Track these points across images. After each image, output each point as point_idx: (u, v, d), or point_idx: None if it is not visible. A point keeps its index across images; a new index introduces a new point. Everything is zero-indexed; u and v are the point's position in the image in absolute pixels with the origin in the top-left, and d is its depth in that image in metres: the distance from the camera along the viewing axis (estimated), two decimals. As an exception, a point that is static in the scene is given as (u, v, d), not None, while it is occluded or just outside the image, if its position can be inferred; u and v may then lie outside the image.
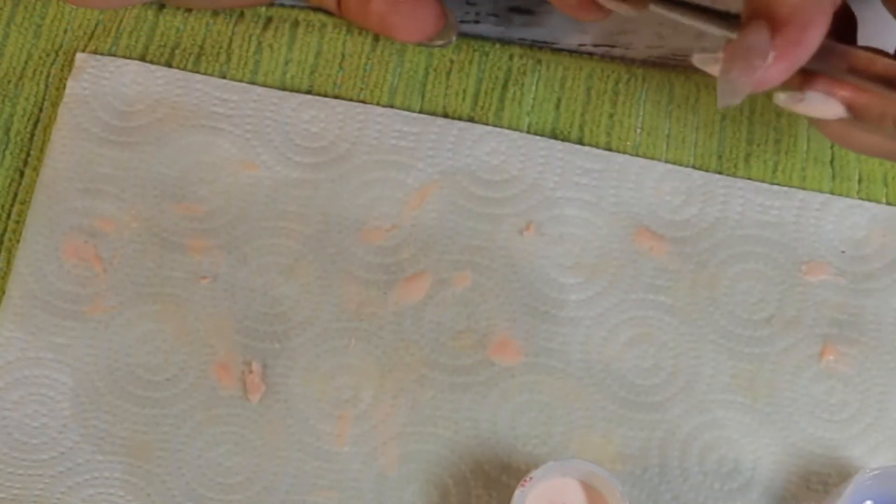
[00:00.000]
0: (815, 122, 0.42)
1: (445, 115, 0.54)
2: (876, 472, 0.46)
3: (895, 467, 0.46)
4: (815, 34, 0.36)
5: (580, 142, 0.54)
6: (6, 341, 0.51)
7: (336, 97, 0.54)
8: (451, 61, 0.55)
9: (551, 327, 0.51)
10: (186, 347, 0.51)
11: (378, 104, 0.54)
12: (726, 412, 0.51)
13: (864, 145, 0.42)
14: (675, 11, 0.42)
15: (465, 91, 0.54)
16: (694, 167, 0.53)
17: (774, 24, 0.36)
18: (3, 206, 0.53)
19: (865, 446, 0.51)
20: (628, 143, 0.54)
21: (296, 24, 0.55)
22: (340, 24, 0.55)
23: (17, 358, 0.51)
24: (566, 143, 0.54)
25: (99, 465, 0.49)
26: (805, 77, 0.38)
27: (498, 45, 0.55)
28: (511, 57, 0.55)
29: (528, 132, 0.54)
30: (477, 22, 0.56)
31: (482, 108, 0.54)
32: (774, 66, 0.36)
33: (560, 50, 0.56)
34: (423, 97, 0.54)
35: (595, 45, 0.56)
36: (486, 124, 0.54)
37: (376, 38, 0.55)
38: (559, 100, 0.54)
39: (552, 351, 0.51)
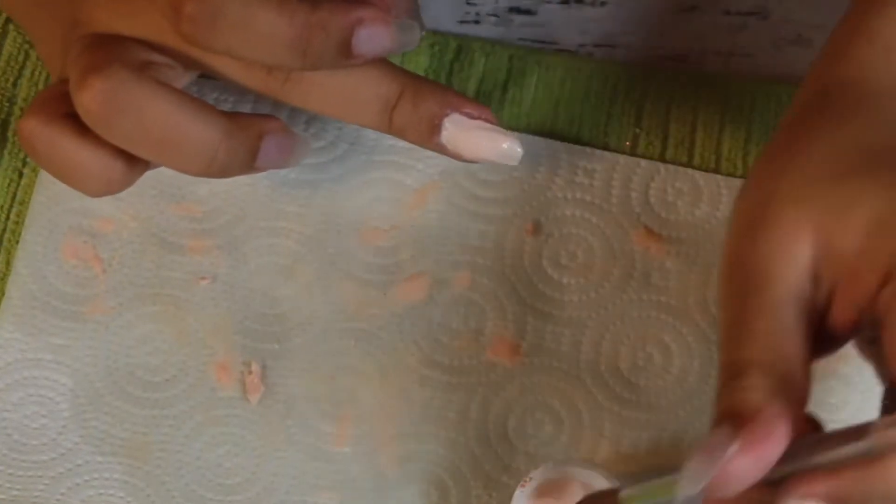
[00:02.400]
0: None
1: (445, 116, 0.54)
2: (876, 473, 0.46)
3: (895, 468, 0.46)
4: (781, 429, 0.36)
5: (580, 142, 0.54)
6: (6, 342, 0.51)
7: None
8: (451, 62, 0.55)
9: (551, 327, 0.51)
10: (186, 348, 0.51)
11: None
12: (726, 412, 0.51)
13: None
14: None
15: (464, 92, 0.54)
16: (694, 167, 0.53)
17: (740, 421, 0.36)
18: (1, 207, 0.53)
19: (865, 446, 0.50)
20: (628, 143, 0.54)
21: (295, 24, 0.55)
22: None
23: (16, 359, 0.50)
24: (566, 144, 0.53)
25: (98, 466, 0.49)
26: (777, 490, 0.36)
27: (498, 45, 0.55)
28: (511, 57, 0.55)
29: (528, 132, 0.54)
30: (477, 22, 0.56)
31: (482, 108, 0.54)
32: (738, 459, 0.35)
33: (560, 50, 0.56)
34: (422, 97, 0.54)
35: (595, 46, 0.56)
36: (486, 124, 0.54)
37: (376, 38, 0.55)
38: (559, 100, 0.54)
39: (552, 351, 0.51)
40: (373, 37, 0.40)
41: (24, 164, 0.53)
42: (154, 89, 0.41)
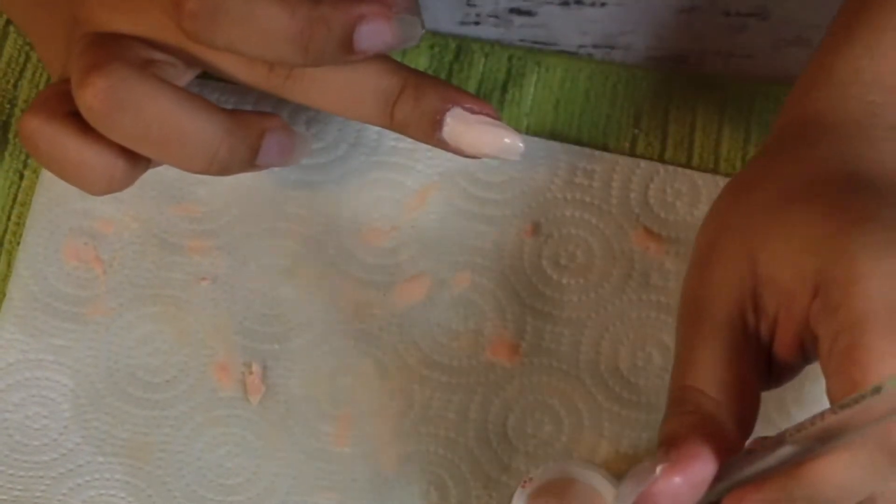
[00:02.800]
0: None
1: (445, 116, 0.54)
2: (875, 472, 0.46)
3: (894, 467, 0.46)
4: (709, 452, 0.37)
5: (579, 142, 0.54)
6: (7, 343, 0.51)
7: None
8: (451, 62, 0.55)
9: (551, 327, 0.51)
10: (186, 349, 0.51)
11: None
12: (726, 412, 0.51)
13: None
14: None
15: (464, 92, 0.54)
16: (693, 168, 0.53)
17: (668, 447, 0.37)
18: (2, 209, 0.53)
19: (865, 446, 0.51)
20: (627, 143, 0.54)
21: (295, 25, 0.55)
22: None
23: (17, 360, 0.51)
24: (565, 144, 0.54)
25: (100, 466, 0.50)
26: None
27: (498, 46, 0.55)
28: (510, 58, 0.55)
29: (528, 133, 0.54)
30: (477, 23, 0.56)
31: (482, 108, 0.54)
32: (663, 480, 0.36)
33: (560, 51, 0.56)
34: (422, 98, 0.54)
35: (595, 46, 0.56)
36: (486, 125, 0.54)
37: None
38: (558, 101, 0.55)
39: (552, 351, 0.51)
40: (374, 32, 0.40)
41: (25, 165, 0.53)
42: (155, 87, 0.41)
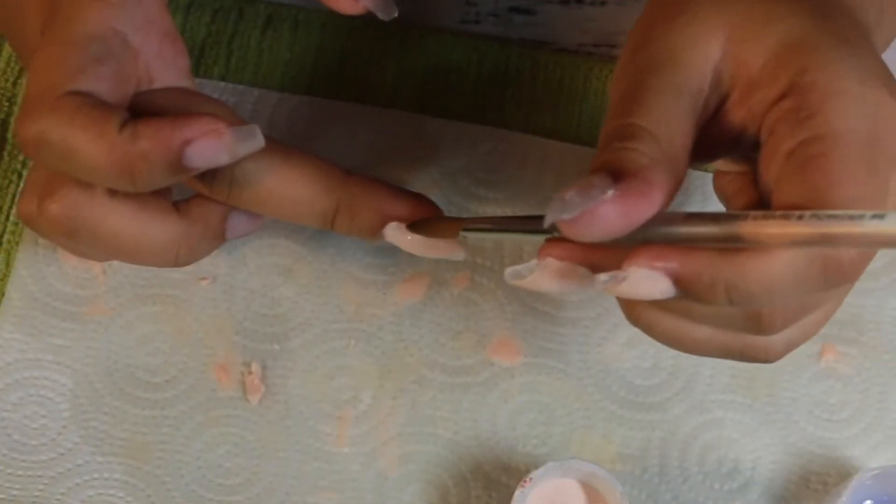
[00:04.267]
0: (640, 317, 0.39)
1: (444, 116, 0.54)
2: (876, 472, 0.46)
3: (895, 467, 0.46)
4: (660, 194, 0.35)
5: (579, 141, 0.54)
6: (5, 343, 0.51)
7: (335, 98, 0.54)
8: (451, 61, 0.55)
9: (551, 327, 0.51)
10: (186, 349, 0.51)
11: (377, 105, 0.54)
12: (726, 412, 0.51)
13: (698, 342, 0.39)
14: (488, 230, 0.42)
15: (464, 91, 0.54)
16: (693, 167, 0.53)
17: (619, 176, 0.35)
18: (1, 209, 0.53)
19: (865, 446, 0.51)
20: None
21: (296, 24, 0.55)
22: (341, 24, 0.55)
23: (16, 359, 0.50)
24: (564, 143, 0.53)
25: (98, 466, 0.49)
26: (627, 254, 0.35)
27: (497, 45, 0.55)
28: (510, 57, 0.55)
29: (528, 132, 0.54)
30: (477, 22, 0.56)
31: (481, 107, 0.54)
32: (612, 203, 0.34)
33: (560, 50, 0.56)
34: (422, 97, 0.54)
35: (595, 46, 0.56)
36: (485, 124, 0.54)
37: (376, 39, 0.55)
38: (558, 100, 0.54)
39: (552, 351, 0.51)
40: (204, 152, 0.39)
41: (24, 165, 0.53)
42: (105, 207, 0.41)
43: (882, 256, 0.52)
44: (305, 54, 0.55)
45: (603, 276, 0.36)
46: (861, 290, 0.52)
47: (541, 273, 0.38)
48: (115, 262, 0.51)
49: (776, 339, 0.39)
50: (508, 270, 0.38)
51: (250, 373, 0.51)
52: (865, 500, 0.48)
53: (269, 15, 0.55)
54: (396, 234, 0.44)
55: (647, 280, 0.35)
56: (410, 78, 0.54)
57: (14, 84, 0.54)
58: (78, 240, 0.41)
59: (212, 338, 0.51)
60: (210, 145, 0.39)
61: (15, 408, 0.50)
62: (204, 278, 0.52)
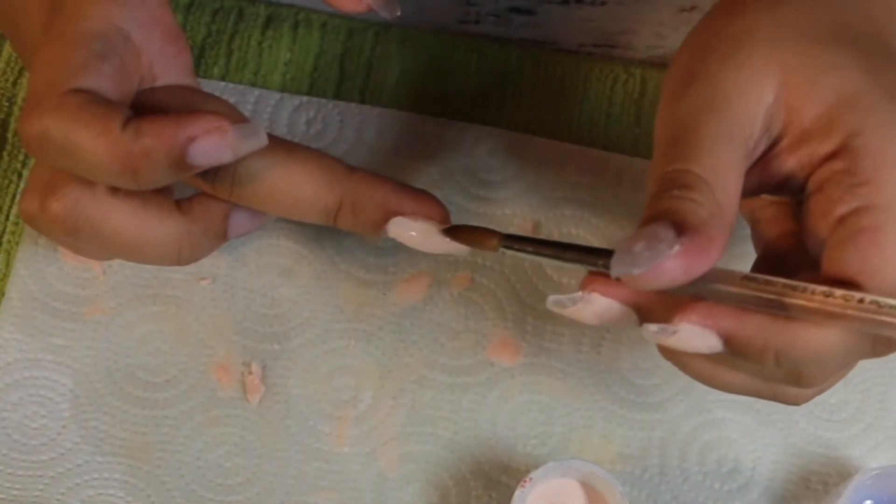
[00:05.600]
0: (678, 359, 0.39)
1: (445, 116, 0.54)
2: (876, 472, 0.46)
3: (895, 467, 0.46)
4: (718, 249, 0.35)
5: (579, 142, 0.54)
6: (5, 343, 0.51)
7: (335, 98, 0.54)
8: (451, 61, 0.55)
9: (551, 327, 0.51)
10: (186, 349, 0.51)
11: (377, 105, 0.54)
12: (726, 412, 0.51)
13: (733, 385, 0.39)
14: (528, 252, 0.42)
15: (464, 91, 0.54)
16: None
17: (682, 229, 0.35)
18: (1, 208, 0.53)
19: (865, 446, 0.51)
20: (626, 142, 0.54)
21: (296, 24, 0.55)
22: (340, 24, 0.55)
23: (16, 359, 0.50)
24: (564, 143, 0.53)
25: (98, 466, 0.49)
26: (680, 307, 0.36)
27: (498, 45, 0.55)
28: (511, 57, 0.55)
29: (528, 132, 0.54)
30: (477, 22, 0.56)
31: (481, 107, 0.54)
32: (676, 259, 0.34)
33: (560, 50, 0.56)
34: (422, 98, 0.54)
35: (595, 46, 0.56)
36: (486, 124, 0.54)
37: (376, 38, 0.55)
38: (558, 100, 0.54)
39: (551, 351, 0.51)
40: (208, 150, 0.39)
41: (24, 164, 0.53)
42: (107, 206, 0.41)
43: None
44: (305, 54, 0.55)
45: (653, 328, 0.37)
46: (861, 290, 0.52)
47: (585, 306, 0.38)
48: (116, 262, 0.51)
49: (810, 389, 0.39)
50: (551, 298, 0.39)
51: (250, 373, 0.51)
52: (865, 500, 0.48)
53: (269, 15, 0.55)
54: (400, 229, 0.44)
55: (698, 337, 0.36)
56: (410, 78, 0.54)
57: (14, 84, 0.54)
58: (80, 238, 0.41)
59: (212, 338, 0.51)
60: (213, 143, 0.39)
61: (15, 408, 0.50)
62: (204, 278, 0.52)
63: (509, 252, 0.42)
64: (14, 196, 0.53)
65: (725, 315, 0.36)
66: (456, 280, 0.52)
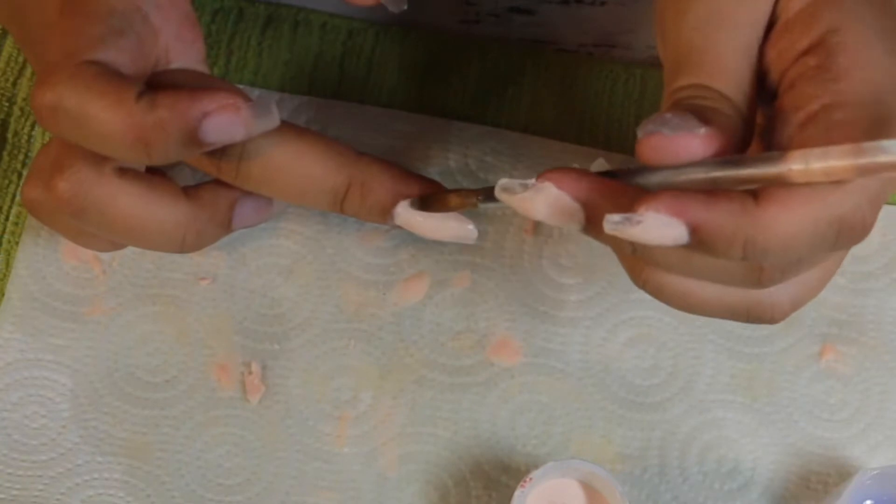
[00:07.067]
0: (654, 287, 0.39)
1: (444, 115, 0.54)
2: (875, 472, 0.46)
3: (895, 467, 0.46)
4: (740, 145, 0.35)
5: (578, 142, 0.54)
6: (5, 343, 0.51)
7: (335, 98, 0.54)
8: (450, 61, 0.55)
9: (550, 327, 0.51)
10: (186, 349, 0.51)
11: (377, 104, 0.54)
12: (726, 412, 0.51)
13: (706, 301, 0.39)
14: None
15: (464, 91, 0.54)
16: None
17: (705, 121, 0.35)
18: (1, 208, 0.53)
19: (865, 446, 0.51)
20: (626, 142, 0.54)
21: (296, 24, 0.55)
22: (340, 24, 0.55)
23: (16, 359, 0.50)
24: (564, 143, 0.53)
25: (98, 466, 0.49)
26: (643, 197, 0.35)
27: (497, 45, 0.55)
28: (510, 57, 0.55)
29: (527, 132, 0.54)
30: (477, 22, 0.56)
31: (481, 107, 0.54)
32: (701, 138, 0.34)
33: (560, 50, 0.56)
34: (421, 97, 0.54)
35: (595, 45, 0.56)
36: (485, 124, 0.54)
37: (375, 39, 0.55)
38: (558, 100, 0.54)
39: (551, 351, 0.51)
40: (221, 127, 0.39)
41: (24, 164, 0.53)
42: (114, 187, 0.41)
43: (882, 256, 0.52)
44: (305, 54, 0.55)
45: (615, 217, 0.35)
46: (861, 290, 0.52)
47: (535, 194, 0.37)
48: (116, 262, 0.51)
49: (782, 298, 0.39)
50: (501, 182, 0.37)
51: (250, 373, 0.51)
52: (865, 500, 0.48)
53: (269, 15, 0.55)
54: (407, 214, 0.44)
55: (664, 226, 0.34)
56: (410, 78, 0.54)
57: (14, 84, 0.54)
58: (85, 220, 0.41)
59: (212, 338, 0.51)
60: (227, 119, 0.39)
61: (15, 407, 0.50)
62: (204, 278, 0.51)
63: (490, 205, 0.40)
64: (14, 196, 0.53)
65: (694, 203, 0.34)
66: (455, 280, 0.52)
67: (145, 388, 0.50)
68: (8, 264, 0.52)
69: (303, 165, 0.43)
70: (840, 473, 0.50)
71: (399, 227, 0.45)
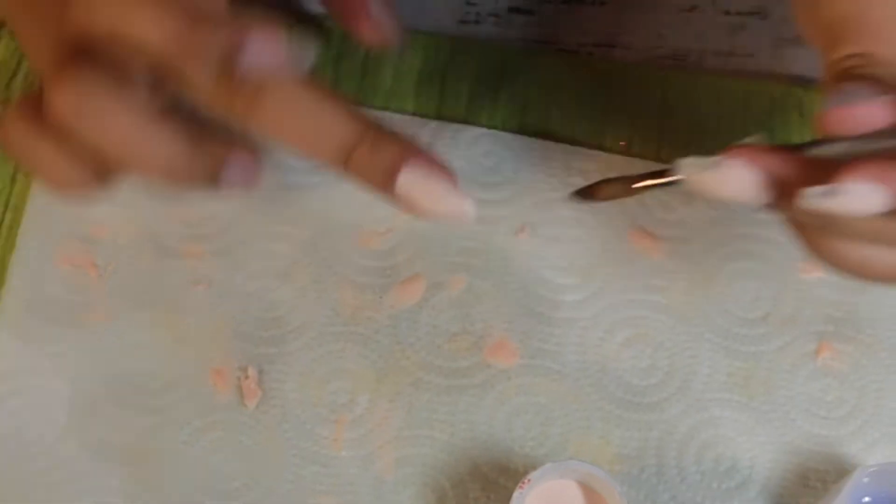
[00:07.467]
0: (837, 257, 0.39)
1: (440, 117, 0.54)
2: (874, 470, 0.46)
3: (893, 464, 0.46)
4: None
5: (575, 142, 0.54)
6: (1, 351, 0.50)
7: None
8: (447, 62, 0.55)
9: (547, 328, 0.51)
10: (182, 354, 0.51)
11: (372, 107, 0.54)
12: (723, 411, 0.51)
13: (889, 266, 0.39)
14: (658, 184, 0.41)
15: (460, 92, 0.54)
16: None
17: (882, 89, 0.36)
18: (-4, 215, 0.53)
19: (862, 443, 0.51)
20: (623, 143, 0.54)
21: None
22: (335, 26, 0.55)
23: (12, 367, 0.50)
24: (561, 144, 0.53)
25: (97, 473, 0.49)
26: (842, 168, 0.35)
27: (497, 45, 0.55)
28: (509, 57, 0.55)
29: (523, 132, 0.54)
30: (477, 22, 0.56)
31: (479, 108, 0.54)
32: (884, 106, 0.35)
33: (560, 50, 0.56)
34: (417, 99, 0.54)
35: (595, 46, 0.56)
36: (482, 125, 0.54)
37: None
38: (554, 100, 0.54)
39: (548, 352, 0.51)
40: (261, 54, 0.38)
41: (16, 170, 0.53)
42: (120, 102, 0.40)
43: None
44: (301, 55, 0.55)
45: (817, 189, 0.35)
46: (857, 288, 0.52)
47: (726, 171, 0.37)
48: (111, 267, 0.51)
49: None
50: (686, 160, 0.38)
51: (247, 377, 0.51)
52: (864, 497, 0.47)
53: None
54: (410, 180, 0.43)
55: (868, 194, 0.35)
56: (409, 79, 0.54)
57: (8, 86, 0.54)
58: (80, 127, 0.40)
59: (208, 342, 0.51)
60: (268, 49, 0.39)
61: (11, 416, 0.50)
62: (199, 283, 0.51)
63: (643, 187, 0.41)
64: (8, 201, 0.53)
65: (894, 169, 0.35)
66: (451, 282, 0.52)
67: (142, 394, 0.50)
68: (2, 273, 0.52)
69: (318, 109, 0.42)
70: (838, 471, 0.50)
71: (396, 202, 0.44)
